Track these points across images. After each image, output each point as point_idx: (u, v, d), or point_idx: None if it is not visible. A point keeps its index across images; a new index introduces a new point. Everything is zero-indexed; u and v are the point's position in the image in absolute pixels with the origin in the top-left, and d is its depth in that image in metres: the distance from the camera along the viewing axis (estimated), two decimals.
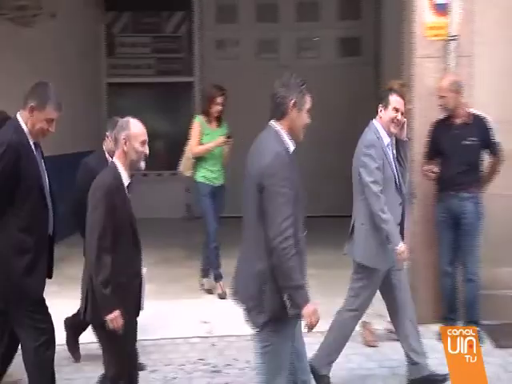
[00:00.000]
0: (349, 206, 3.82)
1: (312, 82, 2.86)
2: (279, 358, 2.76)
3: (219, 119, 5.57)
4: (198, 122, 5.52)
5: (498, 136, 4.33)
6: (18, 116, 3.19)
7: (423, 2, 4.62)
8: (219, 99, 5.43)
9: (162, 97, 10.11)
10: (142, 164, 3.02)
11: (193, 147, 5.47)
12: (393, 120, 3.58)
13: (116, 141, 3.00)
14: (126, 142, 2.91)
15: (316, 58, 9.82)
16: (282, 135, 2.75)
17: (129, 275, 2.94)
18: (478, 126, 4.32)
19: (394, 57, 5.88)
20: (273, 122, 2.78)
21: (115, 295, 2.80)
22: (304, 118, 2.79)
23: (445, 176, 4.35)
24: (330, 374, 3.71)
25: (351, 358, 4.11)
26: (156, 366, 4.10)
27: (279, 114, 2.76)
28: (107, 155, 3.93)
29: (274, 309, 2.65)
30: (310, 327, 2.67)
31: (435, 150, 4.44)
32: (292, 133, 2.78)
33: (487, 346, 4.23)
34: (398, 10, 5.40)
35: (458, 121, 4.34)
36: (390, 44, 7.08)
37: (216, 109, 5.46)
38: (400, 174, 3.67)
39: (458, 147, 4.28)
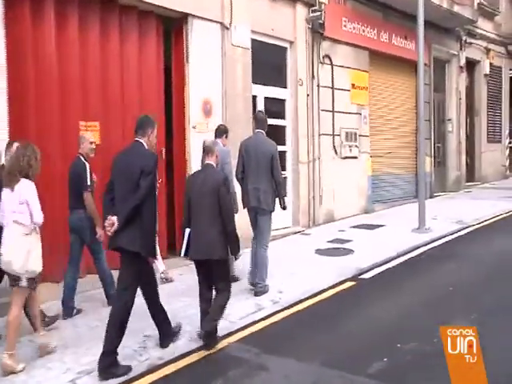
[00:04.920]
0: None
1: None
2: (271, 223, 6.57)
3: None
4: None
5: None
6: (140, 140, 4.72)
7: None
8: None
9: None
10: None
11: None
12: None
13: (212, 152, 5.16)
14: (217, 156, 5.26)
15: None
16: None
17: None
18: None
19: None
20: (261, 130, 6.50)
21: None
22: None
23: None
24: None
25: None
26: None
27: (266, 127, 6.62)
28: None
29: (273, 204, 6.38)
30: (285, 207, 6.64)
31: None
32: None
33: None
34: None
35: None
36: None
37: None
38: None
39: None
